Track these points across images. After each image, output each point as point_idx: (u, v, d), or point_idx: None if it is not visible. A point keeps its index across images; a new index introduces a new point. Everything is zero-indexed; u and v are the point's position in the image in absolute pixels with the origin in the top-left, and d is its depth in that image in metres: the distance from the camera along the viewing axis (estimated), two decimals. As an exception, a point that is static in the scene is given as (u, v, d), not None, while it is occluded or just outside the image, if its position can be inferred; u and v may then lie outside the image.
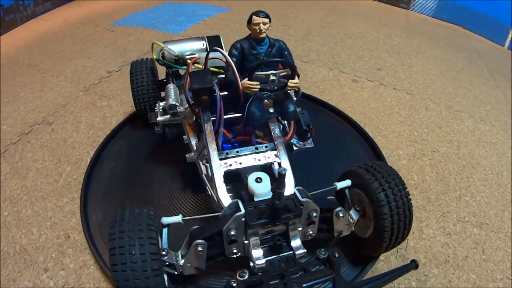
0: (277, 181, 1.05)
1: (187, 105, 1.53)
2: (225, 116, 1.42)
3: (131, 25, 3.83)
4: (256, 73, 1.37)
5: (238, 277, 1.10)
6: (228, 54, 1.46)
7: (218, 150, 1.36)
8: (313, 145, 1.66)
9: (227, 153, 1.37)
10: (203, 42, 1.91)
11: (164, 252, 1.16)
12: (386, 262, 1.53)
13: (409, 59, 3.35)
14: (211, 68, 1.66)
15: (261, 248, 1.19)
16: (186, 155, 1.56)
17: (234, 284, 1.07)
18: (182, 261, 1.18)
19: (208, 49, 1.79)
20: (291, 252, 1.21)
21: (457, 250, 1.62)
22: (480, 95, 2.95)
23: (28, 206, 1.77)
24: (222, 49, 1.83)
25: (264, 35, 1.44)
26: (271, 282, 1.09)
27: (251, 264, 1.17)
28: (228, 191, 1.29)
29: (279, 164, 1.36)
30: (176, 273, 1.20)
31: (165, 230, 1.25)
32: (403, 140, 2.26)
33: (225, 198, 1.26)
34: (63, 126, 2.30)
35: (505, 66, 3.82)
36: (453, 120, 2.54)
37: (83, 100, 2.55)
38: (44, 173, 1.95)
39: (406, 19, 4.71)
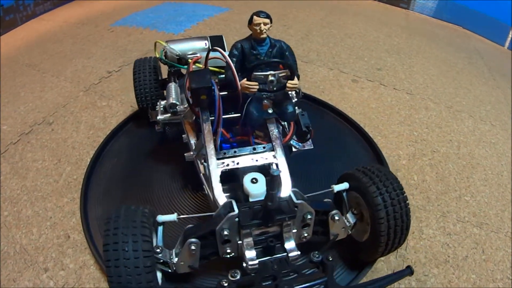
0: (270, 182, 1.06)
1: (187, 104, 1.53)
2: (224, 116, 1.42)
3: (131, 25, 3.83)
4: (255, 73, 1.37)
5: (230, 277, 1.10)
6: (229, 54, 1.45)
7: (216, 150, 1.36)
8: (312, 147, 1.66)
9: (224, 153, 1.36)
10: (206, 41, 1.92)
11: (158, 250, 1.16)
12: (386, 262, 1.53)
13: (409, 59, 3.35)
14: (212, 68, 1.66)
15: (255, 249, 1.19)
16: (185, 154, 1.56)
17: (226, 284, 1.07)
18: (175, 259, 1.19)
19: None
20: (285, 254, 1.21)
21: (457, 250, 1.62)
22: (480, 95, 2.95)
23: (28, 206, 1.77)
24: (224, 49, 1.83)
25: (264, 35, 1.43)
26: (263, 283, 1.10)
27: (244, 264, 1.17)
28: (225, 191, 1.29)
29: (277, 165, 1.36)
30: (170, 271, 1.20)
31: (160, 228, 1.25)
32: (403, 140, 2.26)
33: (221, 198, 1.26)
34: (63, 126, 2.30)
35: (505, 66, 3.82)
36: (453, 120, 2.54)
37: (83, 100, 2.55)
38: (44, 173, 1.95)
39: (406, 19, 4.71)
